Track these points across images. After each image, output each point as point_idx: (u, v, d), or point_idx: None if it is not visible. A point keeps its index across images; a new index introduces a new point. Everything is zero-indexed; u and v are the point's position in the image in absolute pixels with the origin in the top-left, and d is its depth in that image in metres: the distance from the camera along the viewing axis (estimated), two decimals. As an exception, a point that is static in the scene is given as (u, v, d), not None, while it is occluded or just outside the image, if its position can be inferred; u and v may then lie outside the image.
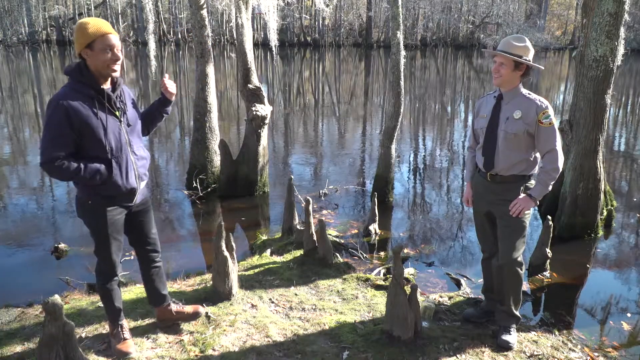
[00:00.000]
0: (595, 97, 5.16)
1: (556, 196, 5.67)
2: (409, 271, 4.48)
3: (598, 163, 5.37)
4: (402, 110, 6.27)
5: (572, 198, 5.43)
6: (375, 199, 5.49)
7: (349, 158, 9.12)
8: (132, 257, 4.55)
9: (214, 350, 3.02)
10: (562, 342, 3.39)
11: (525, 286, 4.27)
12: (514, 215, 3.07)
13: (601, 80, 5.10)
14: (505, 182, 3.14)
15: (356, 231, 5.64)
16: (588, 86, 5.19)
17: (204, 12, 6.69)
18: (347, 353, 3.07)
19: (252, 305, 3.59)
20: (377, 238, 5.46)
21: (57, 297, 2.41)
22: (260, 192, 6.85)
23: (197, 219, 6.20)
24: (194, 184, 6.72)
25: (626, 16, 5.02)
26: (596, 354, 3.35)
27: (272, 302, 3.69)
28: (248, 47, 6.45)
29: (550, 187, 3.07)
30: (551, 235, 4.56)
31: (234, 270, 3.62)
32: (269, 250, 4.79)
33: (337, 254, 4.68)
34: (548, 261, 4.58)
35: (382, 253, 5.14)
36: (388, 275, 4.36)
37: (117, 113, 2.65)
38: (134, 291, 3.75)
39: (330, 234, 5.00)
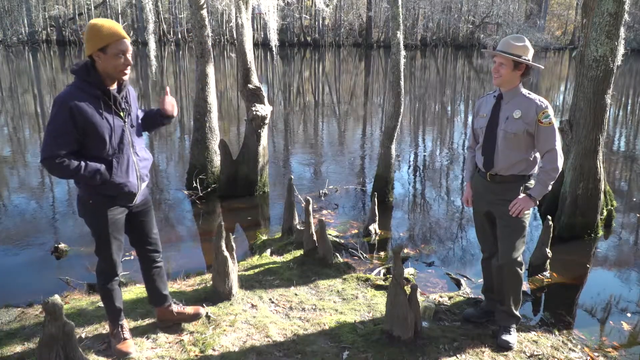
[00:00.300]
0: (595, 97, 5.16)
1: (556, 196, 5.67)
2: (409, 271, 4.48)
3: (598, 163, 5.37)
4: (402, 110, 6.27)
5: (572, 198, 5.43)
6: (375, 199, 5.49)
7: (349, 158, 9.12)
8: (132, 257, 4.55)
9: (214, 350, 3.02)
10: (562, 342, 3.39)
11: (525, 286, 4.27)
12: (513, 215, 3.07)
13: (601, 80, 5.10)
14: (505, 182, 3.14)
15: (356, 231, 5.64)
16: (588, 86, 5.19)
17: (204, 12, 6.69)
18: (347, 353, 3.07)
19: (252, 305, 3.59)
20: (377, 238, 5.46)
21: (57, 297, 2.41)
22: (260, 192, 6.85)
23: (197, 219, 6.20)
24: (194, 184, 6.72)
25: (626, 16, 5.02)
26: (596, 354, 3.35)
27: (272, 302, 3.69)
28: (248, 47, 6.45)
29: (549, 187, 3.07)
30: (551, 235, 4.56)
31: (234, 270, 3.62)
32: (269, 250, 4.79)
33: (337, 254, 4.68)
34: (548, 261, 4.58)
35: (382, 253, 5.14)
36: (388, 275, 4.36)
37: (121, 114, 2.66)
38: (134, 291, 3.75)
39: (330, 234, 5.00)
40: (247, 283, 3.94)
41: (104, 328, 3.18)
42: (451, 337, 3.27)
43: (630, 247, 5.48)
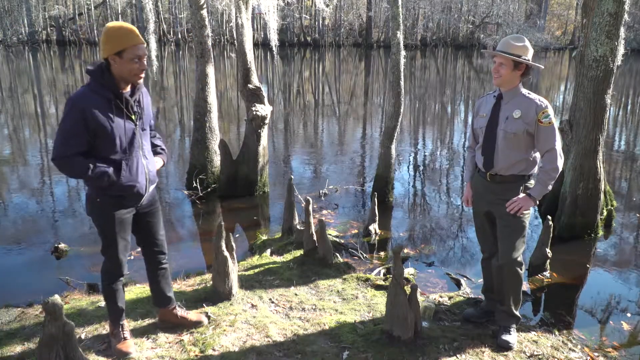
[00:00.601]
0: (595, 97, 5.16)
1: (556, 196, 5.67)
2: (409, 271, 4.48)
3: (598, 163, 5.37)
4: (402, 110, 6.27)
5: (572, 198, 5.43)
6: (375, 199, 5.49)
7: (349, 158, 9.12)
8: (131, 257, 4.54)
9: (214, 350, 3.02)
10: (562, 342, 3.39)
11: (525, 286, 4.27)
12: (511, 212, 3.07)
13: (601, 80, 5.10)
14: (505, 182, 3.14)
15: (356, 231, 5.64)
16: (588, 86, 5.19)
17: (204, 12, 6.69)
18: (347, 353, 3.07)
19: (252, 305, 3.59)
20: (377, 238, 5.46)
21: (57, 297, 2.41)
22: (260, 192, 6.85)
23: (197, 219, 6.20)
24: (194, 184, 6.72)
25: (626, 16, 5.02)
26: (596, 354, 3.35)
27: (272, 302, 3.69)
28: (248, 47, 6.45)
29: (549, 187, 3.07)
30: (551, 235, 4.56)
31: (234, 270, 3.62)
32: (269, 250, 4.79)
33: (337, 254, 4.68)
34: (548, 261, 4.58)
35: (382, 253, 5.14)
36: (388, 275, 4.36)
37: (132, 117, 2.68)
38: (134, 291, 3.75)
39: (330, 234, 5.00)
40: (247, 283, 3.94)
41: (104, 328, 3.18)
42: (451, 337, 3.27)
43: (630, 247, 5.48)
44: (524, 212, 3.11)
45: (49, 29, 40.58)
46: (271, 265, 4.34)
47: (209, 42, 6.81)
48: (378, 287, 4.02)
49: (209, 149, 6.96)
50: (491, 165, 3.14)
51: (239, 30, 6.41)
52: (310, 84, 21.43)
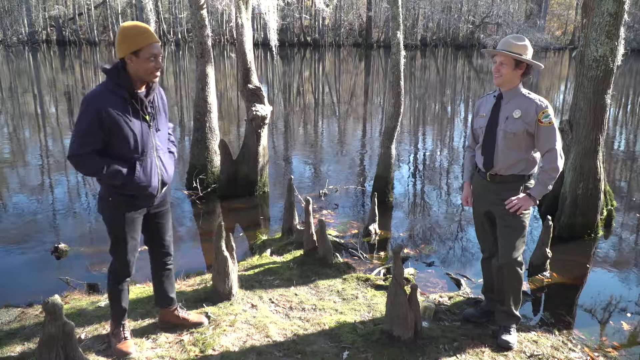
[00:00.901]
0: (595, 97, 5.16)
1: (556, 196, 5.67)
2: (409, 271, 4.48)
3: (598, 163, 5.37)
4: (402, 110, 6.27)
5: (572, 198, 5.43)
6: (375, 199, 5.49)
7: (349, 158, 9.12)
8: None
9: (214, 350, 3.02)
10: (562, 342, 3.39)
11: (525, 286, 4.27)
12: (511, 211, 3.06)
13: (601, 80, 5.10)
14: (505, 182, 3.14)
15: (356, 231, 5.64)
16: (588, 86, 5.19)
17: (204, 12, 6.69)
18: (347, 353, 3.07)
19: (252, 305, 3.59)
20: (377, 238, 5.45)
21: (57, 297, 2.41)
22: (260, 192, 6.85)
23: (197, 219, 6.20)
24: (194, 184, 6.72)
25: (626, 16, 5.02)
26: (596, 354, 3.35)
27: (272, 302, 3.69)
28: (248, 47, 6.45)
29: (550, 187, 3.07)
30: (551, 235, 4.56)
31: (234, 270, 3.62)
32: (269, 250, 4.79)
33: (337, 254, 4.68)
34: (548, 261, 4.58)
35: (382, 253, 5.14)
36: (388, 275, 4.36)
37: (147, 117, 2.69)
38: (134, 291, 3.75)
39: (330, 234, 5.00)
40: (247, 283, 3.94)
41: (104, 328, 3.18)
42: (451, 337, 3.27)
43: (630, 247, 5.48)
44: (524, 211, 3.11)
45: (49, 29, 40.60)
46: (271, 265, 4.34)
47: (209, 42, 6.81)
48: (378, 287, 4.02)
49: (209, 149, 6.96)
50: (491, 165, 3.14)
51: (239, 30, 6.41)
52: (310, 84, 21.44)
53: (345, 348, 3.11)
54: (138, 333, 3.13)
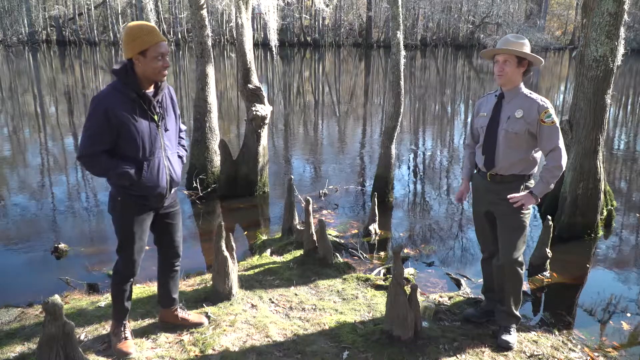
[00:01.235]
0: (595, 97, 5.16)
1: (556, 196, 5.67)
2: (409, 271, 4.48)
3: (598, 163, 5.37)
4: (402, 110, 6.27)
5: (572, 198, 5.43)
6: (375, 199, 5.49)
7: (349, 158, 9.12)
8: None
9: (214, 350, 3.02)
10: (562, 342, 3.39)
11: (525, 286, 4.26)
12: (515, 205, 3.06)
13: (601, 80, 5.10)
14: (505, 181, 3.14)
15: (356, 231, 5.64)
16: (588, 86, 5.19)
17: (204, 12, 6.69)
18: (347, 353, 3.07)
19: (252, 305, 3.59)
20: (377, 238, 5.45)
21: (57, 297, 2.41)
22: (260, 192, 6.85)
23: (197, 219, 6.20)
24: (194, 184, 6.72)
25: (626, 16, 5.02)
26: (596, 354, 3.35)
27: (272, 302, 3.69)
28: (248, 47, 6.44)
29: (552, 186, 3.08)
30: (551, 235, 4.56)
31: (234, 270, 3.62)
32: (269, 250, 4.79)
33: (337, 254, 4.68)
34: (548, 261, 4.58)
35: (382, 253, 5.14)
36: (388, 275, 4.36)
37: (155, 117, 2.70)
38: (134, 291, 3.70)
39: (330, 234, 5.00)
40: (247, 283, 3.94)
41: (104, 328, 3.18)
42: (451, 337, 3.27)
43: (630, 247, 5.48)
44: (524, 211, 3.11)
45: (49, 29, 40.60)
46: (271, 265, 4.34)
47: (209, 42, 6.81)
48: (378, 287, 4.02)
49: (209, 149, 6.96)
50: (492, 165, 3.14)
51: (239, 30, 6.41)
52: (310, 84, 21.44)
53: (345, 348, 3.11)
54: (138, 333, 3.13)
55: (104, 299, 3.63)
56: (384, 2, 39.64)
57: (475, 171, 3.38)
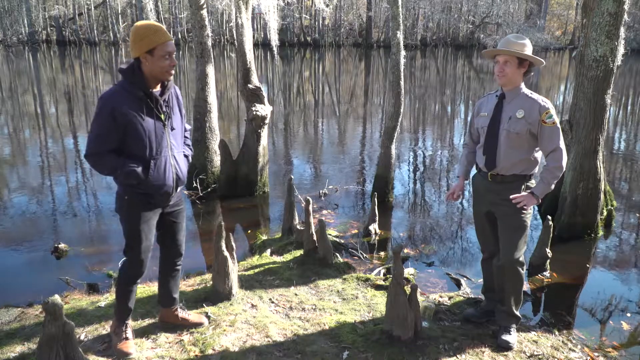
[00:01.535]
0: (595, 97, 5.16)
1: (556, 196, 5.67)
2: (409, 271, 4.48)
3: (598, 163, 5.37)
4: (402, 110, 6.27)
5: (572, 198, 5.43)
6: (375, 199, 5.49)
7: (349, 158, 9.12)
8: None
9: (214, 350, 3.02)
10: (562, 342, 3.39)
11: (525, 286, 4.25)
12: (518, 206, 3.06)
13: (601, 80, 5.10)
14: (506, 181, 3.14)
15: (356, 231, 5.64)
16: (588, 86, 5.19)
17: (204, 12, 6.69)
18: (347, 353, 3.07)
19: (252, 305, 3.59)
20: (377, 238, 5.45)
21: (57, 297, 2.41)
22: (260, 192, 6.85)
23: (197, 219, 6.20)
24: (194, 184, 6.72)
25: (626, 16, 5.02)
26: (596, 354, 3.35)
27: (272, 302, 3.69)
28: (248, 47, 6.44)
29: (552, 186, 3.08)
30: (551, 235, 4.56)
31: (234, 270, 3.62)
32: (269, 250, 4.79)
33: (337, 254, 4.68)
34: (548, 261, 4.58)
35: (382, 253, 5.14)
36: (388, 275, 4.36)
37: (162, 116, 2.71)
38: (134, 291, 3.74)
39: (330, 234, 5.00)
40: (247, 283, 3.94)
41: (104, 328, 3.18)
42: (451, 337, 3.27)
43: (630, 247, 5.48)
44: (525, 211, 3.11)
45: (49, 29, 40.59)
46: (271, 265, 4.34)
47: (209, 42, 6.81)
48: (378, 287, 4.02)
49: (209, 149, 6.96)
50: (493, 165, 3.14)
51: (239, 30, 6.41)
52: (310, 84, 21.44)
53: (345, 348, 3.11)
54: (138, 333, 3.13)
55: (104, 299, 3.63)
56: (384, 2, 39.63)
57: (476, 171, 3.38)
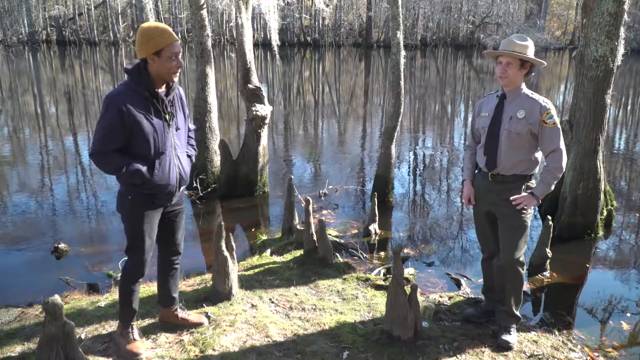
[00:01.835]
0: (595, 97, 5.16)
1: (556, 196, 5.67)
2: (409, 271, 4.48)
3: (598, 163, 5.37)
4: (402, 110, 6.27)
5: (572, 198, 5.43)
6: (375, 199, 5.49)
7: (349, 158, 9.12)
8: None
9: (214, 350, 3.02)
10: (562, 342, 3.39)
11: (525, 286, 4.25)
12: (517, 207, 3.05)
13: (601, 80, 5.10)
14: (507, 182, 3.14)
15: (356, 231, 5.64)
16: (588, 86, 5.19)
17: (204, 12, 6.69)
18: (347, 353, 3.07)
19: (252, 305, 3.59)
20: (377, 238, 5.45)
21: (57, 297, 2.41)
22: (260, 192, 6.85)
23: (197, 219, 6.20)
24: (194, 184, 6.72)
25: (626, 16, 5.02)
26: (596, 354, 3.35)
27: (272, 302, 3.69)
28: (248, 47, 6.44)
29: (552, 187, 3.08)
30: (551, 235, 4.56)
31: (234, 270, 3.62)
32: (269, 250, 4.79)
33: (337, 254, 4.68)
34: (548, 261, 4.58)
35: (382, 253, 5.14)
36: (388, 275, 4.36)
37: (167, 116, 2.72)
38: (134, 291, 3.74)
39: (330, 234, 5.00)
40: (247, 283, 3.94)
41: (104, 328, 3.18)
42: (451, 337, 3.27)
43: (630, 247, 5.48)
44: (525, 211, 3.11)
45: (49, 29, 40.58)
46: (271, 265, 4.34)
47: (209, 42, 6.81)
48: (378, 287, 4.02)
49: (209, 149, 6.96)
50: (494, 165, 3.14)
51: (239, 30, 6.41)
52: (310, 84, 21.44)
53: (345, 348, 3.11)
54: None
55: (104, 299, 3.63)
56: (384, 2, 39.63)
57: (476, 171, 3.37)
